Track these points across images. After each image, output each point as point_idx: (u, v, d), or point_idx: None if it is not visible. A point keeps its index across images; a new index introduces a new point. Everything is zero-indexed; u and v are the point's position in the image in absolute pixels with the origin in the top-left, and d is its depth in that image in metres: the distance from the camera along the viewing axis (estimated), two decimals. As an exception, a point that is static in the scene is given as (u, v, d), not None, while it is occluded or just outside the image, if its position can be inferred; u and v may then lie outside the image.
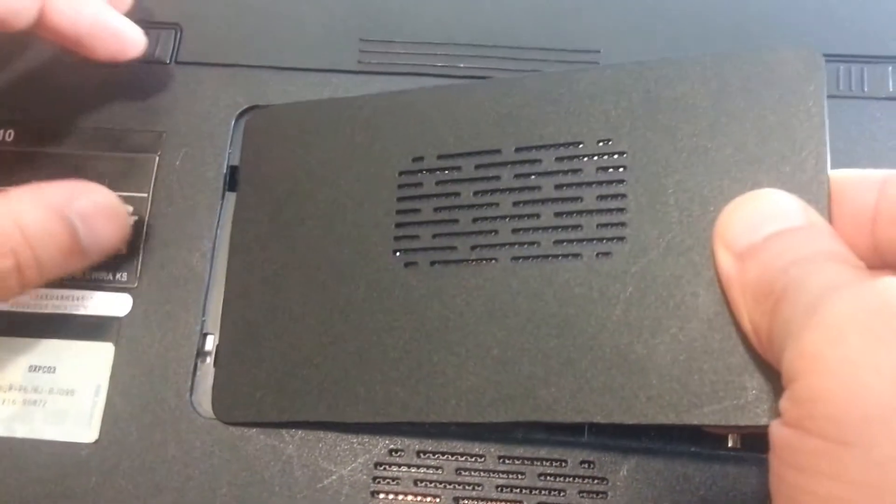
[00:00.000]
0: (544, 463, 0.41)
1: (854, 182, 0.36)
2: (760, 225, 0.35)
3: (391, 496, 0.41)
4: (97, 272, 0.46)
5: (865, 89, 0.46)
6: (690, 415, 0.36)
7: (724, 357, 0.36)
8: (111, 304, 0.45)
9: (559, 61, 0.48)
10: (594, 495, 0.41)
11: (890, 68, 0.46)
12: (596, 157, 0.41)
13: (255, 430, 0.43)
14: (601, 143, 0.41)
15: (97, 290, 0.46)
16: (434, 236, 0.42)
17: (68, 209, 0.41)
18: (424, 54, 0.49)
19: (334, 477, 0.42)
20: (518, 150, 0.42)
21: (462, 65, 0.49)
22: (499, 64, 0.48)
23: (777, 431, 0.30)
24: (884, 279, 0.29)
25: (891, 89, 0.46)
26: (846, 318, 0.28)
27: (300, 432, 0.42)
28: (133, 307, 0.45)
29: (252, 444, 0.42)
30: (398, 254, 0.43)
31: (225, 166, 0.47)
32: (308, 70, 0.49)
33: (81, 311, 0.45)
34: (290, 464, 0.42)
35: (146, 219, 0.46)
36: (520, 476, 0.41)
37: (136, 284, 0.45)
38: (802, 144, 0.38)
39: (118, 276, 0.46)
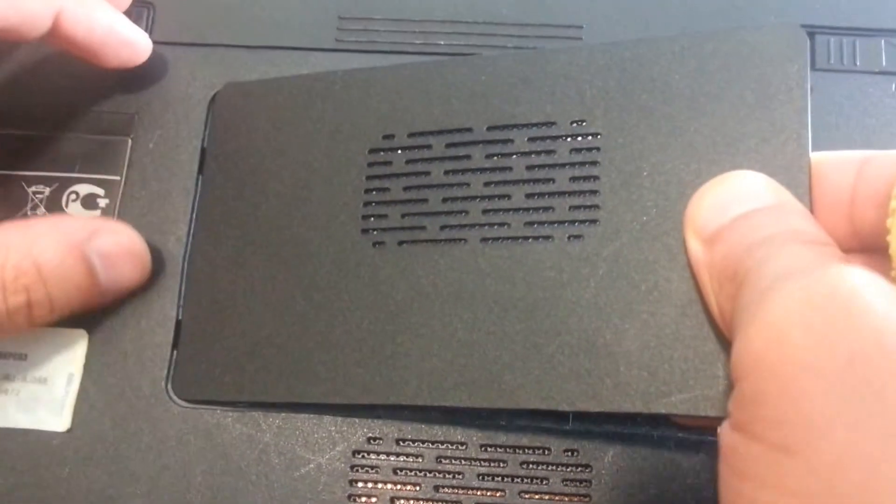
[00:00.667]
0: (527, 451, 0.40)
1: (833, 163, 0.35)
2: (728, 207, 0.34)
3: (370, 485, 0.40)
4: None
5: (858, 63, 0.44)
6: (658, 403, 0.35)
7: (696, 345, 0.35)
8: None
9: (541, 37, 0.46)
10: (578, 483, 0.39)
11: (883, 42, 0.45)
12: (569, 138, 0.40)
13: (230, 418, 0.41)
14: (575, 124, 0.40)
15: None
16: (403, 216, 0.41)
17: (88, 246, 0.40)
18: (404, 32, 0.47)
19: (312, 465, 0.40)
20: (490, 129, 0.41)
21: (442, 42, 0.47)
22: (479, 41, 0.47)
23: (723, 434, 0.29)
24: (833, 267, 0.27)
25: (884, 63, 0.44)
26: (789, 314, 0.27)
27: (277, 420, 0.41)
28: (106, 291, 0.43)
29: (228, 432, 0.41)
30: (366, 233, 0.42)
31: (200, 149, 0.45)
32: (285, 49, 0.47)
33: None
34: (267, 452, 0.41)
35: (118, 203, 0.45)
36: (502, 464, 0.40)
37: (109, 269, 0.44)
38: (783, 126, 0.37)
39: (91, 260, 0.44)
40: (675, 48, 0.39)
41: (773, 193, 0.33)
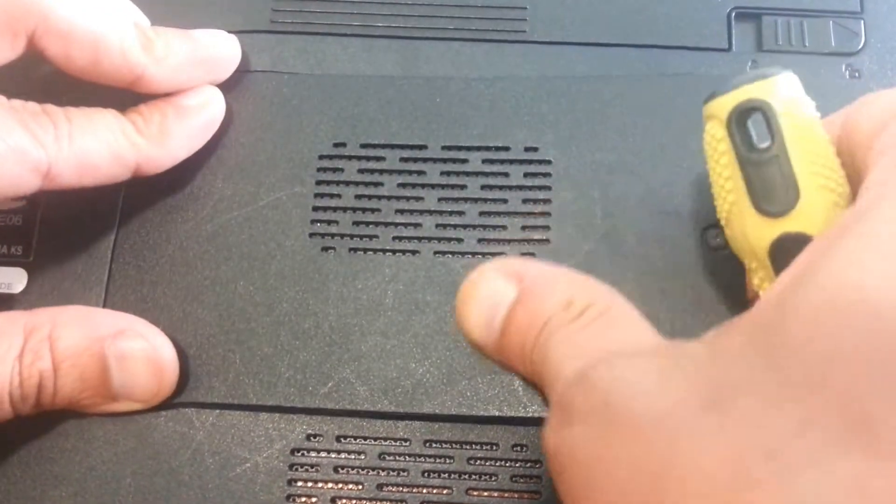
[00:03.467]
0: (474, 446, 0.37)
1: None
2: (490, 316, 0.32)
3: (310, 484, 0.37)
4: (-12, 246, 0.40)
5: (806, 44, 0.42)
6: None
7: None
8: (4, 279, 0.40)
9: (483, 18, 0.44)
10: (528, 479, 0.36)
11: (831, 22, 0.42)
12: (522, 164, 0.41)
13: (162, 416, 0.38)
14: (528, 151, 0.41)
15: (-12, 266, 0.40)
16: (354, 223, 0.40)
17: (110, 345, 0.36)
18: (340, 13, 0.44)
19: (248, 465, 0.37)
20: (445, 147, 0.41)
21: (380, 24, 0.44)
22: (418, 23, 0.44)
23: None
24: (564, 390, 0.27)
25: (833, 44, 0.42)
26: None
27: (211, 417, 0.38)
28: (28, 283, 0.40)
29: (158, 431, 0.38)
30: (314, 237, 0.40)
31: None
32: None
33: (-29, 288, 0.40)
34: (201, 451, 0.37)
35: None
36: (448, 460, 0.37)
37: (31, 258, 0.40)
38: None
39: (12, 249, 0.40)
40: (621, 87, 0.41)
41: (513, 284, 0.32)
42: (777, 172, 0.30)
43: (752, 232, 0.31)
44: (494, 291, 0.32)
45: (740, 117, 0.31)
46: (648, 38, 0.42)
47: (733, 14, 0.43)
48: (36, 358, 0.35)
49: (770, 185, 0.30)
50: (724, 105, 0.31)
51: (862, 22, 0.42)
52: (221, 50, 0.41)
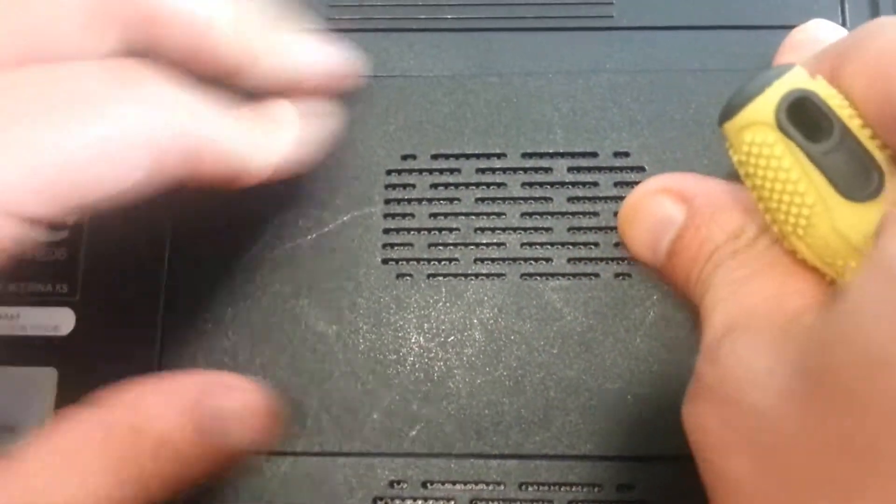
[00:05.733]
0: (574, 488, 0.34)
1: None
2: (656, 240, 0.32)
3: (396, 536, 0.34)
4: (31, 284, 0.37)
5: None
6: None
7: None
8: (50, 320, 0.36)
9: (564, 4, 0.39)
10: None
11: None
12: (612, 171, 0.37)
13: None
14: (618, 157, 0.37)
15: (32, 306, 0.37)
16: (430, 246, 0.37)
17: (200, 409, 0.31)
18: (404, 6, 0.40)
19: None
20: (525, 155, 0.38)
21: (449, 16, 0.40)
22: (492, 12, 0.40)
23: None
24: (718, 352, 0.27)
25: None
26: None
27: (283, 466, 0.34)
28: (76, 324, 0.36)
29: (226, 483, 0.34)
30: (388, 263, 0.37)
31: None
32: None
33: (16, 332, 0.36)
34: None
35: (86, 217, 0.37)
36: None
37: (77, 297, 0.36)
38: None
39: (57, 286, 0.37)
40: (724, 81, 0.37)
41: (680, 207, 0.32)
42: (854, 154, 0.28)
43: (849, 226, 0.28)
44: (661, 213, 0.32)
45: (790, 112, 0.29)
46: (750, 19, 0.38)
47: (848, -13, 0.39)
48: (134, 458, 0.30)
49: (853, 169, 0.28)
50: (765, 106, 0.29)
51: None
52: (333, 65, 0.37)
